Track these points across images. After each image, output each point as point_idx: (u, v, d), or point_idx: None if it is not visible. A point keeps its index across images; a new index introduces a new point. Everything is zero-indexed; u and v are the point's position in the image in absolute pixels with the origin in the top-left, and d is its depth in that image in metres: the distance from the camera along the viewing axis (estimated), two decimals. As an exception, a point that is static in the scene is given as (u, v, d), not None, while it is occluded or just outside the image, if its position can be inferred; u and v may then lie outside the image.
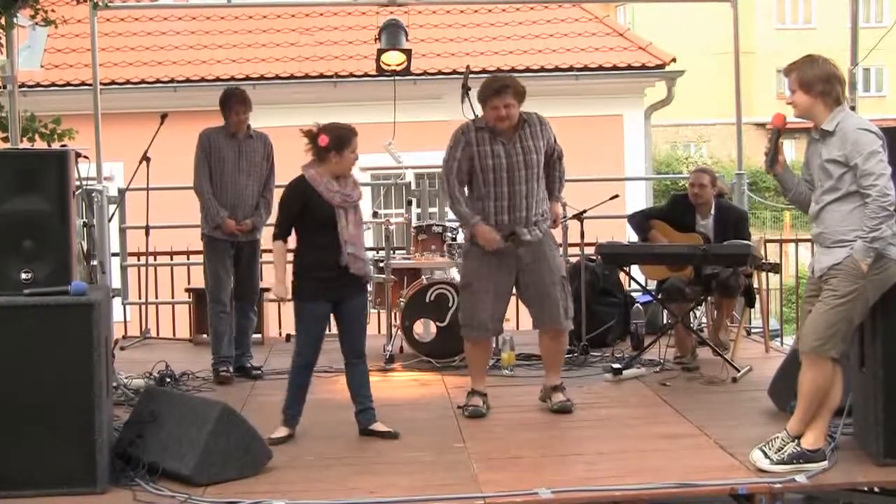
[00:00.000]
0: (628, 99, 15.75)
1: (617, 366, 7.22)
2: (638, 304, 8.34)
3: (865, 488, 5.18)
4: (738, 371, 7.07)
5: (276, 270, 5.72)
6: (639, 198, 14.08)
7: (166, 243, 9.19)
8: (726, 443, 5.47)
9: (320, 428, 5.86)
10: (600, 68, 15.40)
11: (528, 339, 7.19)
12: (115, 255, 9.10)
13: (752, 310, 8.36)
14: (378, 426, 5.79)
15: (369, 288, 8.28)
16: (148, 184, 8.51)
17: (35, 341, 4.84)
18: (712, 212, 7.60)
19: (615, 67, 15.46)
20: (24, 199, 4.96)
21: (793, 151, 38.04)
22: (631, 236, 8.30)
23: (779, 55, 29.87)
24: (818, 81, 4.91)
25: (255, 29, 16.02)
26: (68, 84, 14.60)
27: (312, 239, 5.64)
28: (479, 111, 6.26)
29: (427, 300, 7.67)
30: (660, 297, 7.65)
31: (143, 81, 14.89)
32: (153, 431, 5.19)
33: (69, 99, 13.50)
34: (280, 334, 9.12)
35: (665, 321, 8.26)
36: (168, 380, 6.95)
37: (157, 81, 14.84)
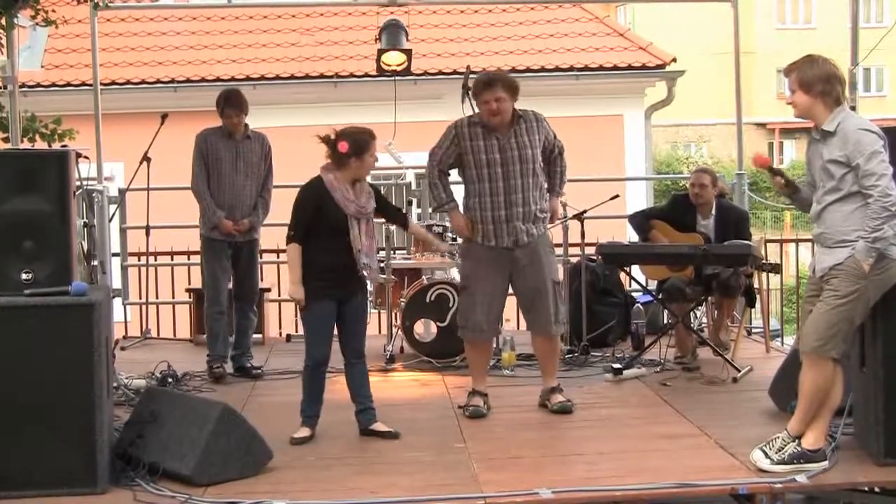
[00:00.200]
0: (629, 99, 15.75)
1: (617, 366, 7.22)
2: (638, 304, 8.34)
3: (866, 488, 5.18)
4: (739, 371, 7.07)
5: (290, 273, 5.70)
6: (639, 198, 14.07)
7: (167, 243, 9.19)
8: (727, 443, 5.47)
9: (321, 428, 5.85)
10: (601, 68, 15.40)
11: (528, 340, 7.18)
12: (115, 255, 9.10)
13: (753, 310, 8.36)
14: (378, 426, 5.79)
15: (370, 288, 8.33)
16: (148, 184, 8.51)
17: (35, 341, 4.84)
18: (713, 212, 7.60)
19: (615, 67, 15.45)
20: (25, 199, 4.96)
21: (793, 151, 38.13)
22: (631, 236, 8.30)
23: (779, 55, 29.87)
24: (818, 81, 4.91)
25: (255, 29, 16.01)
26: (69, 84, 14.59)
27: (321, 241, 5.64)
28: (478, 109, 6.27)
29: (427, 300, 7.67)
30: (660, 297, 7.65)
31: (143, 82, 14.88)
32: (153, 431, 5.19)
33: (70, 99, 13.50)
34: (280, 334, 9.12)
35: (665, 321, 8.25)
36: (170, 380, 6.96)
37: (158, 82, 14.83)
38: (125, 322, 9.27)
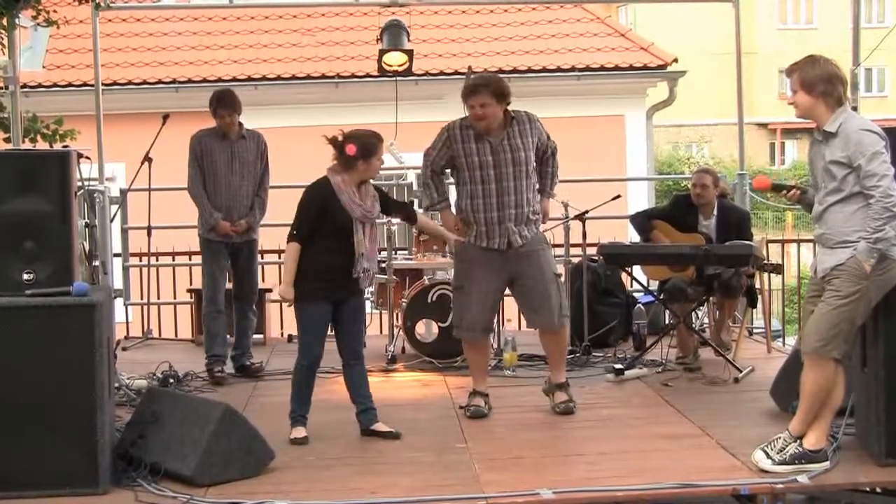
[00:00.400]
0: (630, 99, 15.74)
1: (619, 366, 7.22)
2: (640, 305, 8.34)
3: (867, 489, 5.18)
4: (740, 371, 7.06)
5: (284, 272, 5.71)
6: (641, 198, 14.07)
7: (168, 244, 9.19)
8: (728, 443, 5.47)
9: (322, 428, 5.85)
10: (602, 69, 15.39)
11: (530, 340, 7.19)
12: (116, 255, 9.11)
13: (754, 310, 8.36)
14: (379, 426, 5.79)
15: (371, 289, 8.33)
16: (150, 184, 8.50)
17: (37, 342, 4.84)
18: (714, 212, 7.60)
19: (617, 68, 15.45)
20: (26, 199, 4.96)
21: (795, 152, 38.13)
22: (633, 236, 8.30)
23: (780, 55, 29.88)
24: (820, 82, 4.91)
25: (256, 29, 16.02)
26: (70, 85, 14.59)
27: (323, 242, 5.64)
28: None
29: (429, 301, 7.67)
30: (662, 297, 7.65)
31: (144, 82, 14.88)
32: (155, 432, 5.19)
33: (71, 99, 13.51)
34: (282, 335, 9.12)
35: (667, 322, 8.25)
36: (171, 380, 6.96)
37: (159, 82, 14.84)
38: (126, 322, 9.27)
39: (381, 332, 8.90)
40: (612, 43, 15.96)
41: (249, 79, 14.89)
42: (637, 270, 8.17)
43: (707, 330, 8.27)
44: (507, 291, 6.44)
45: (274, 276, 9.17)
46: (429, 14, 15.30)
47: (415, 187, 9.27)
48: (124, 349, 8.43)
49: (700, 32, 32.32)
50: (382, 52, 9.00)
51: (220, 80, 14.68)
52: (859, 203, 4.84)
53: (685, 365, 7.43)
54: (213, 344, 7.32)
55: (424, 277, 7.94)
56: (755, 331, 8.81)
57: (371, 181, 5.83)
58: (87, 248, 6.89)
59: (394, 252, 8.06)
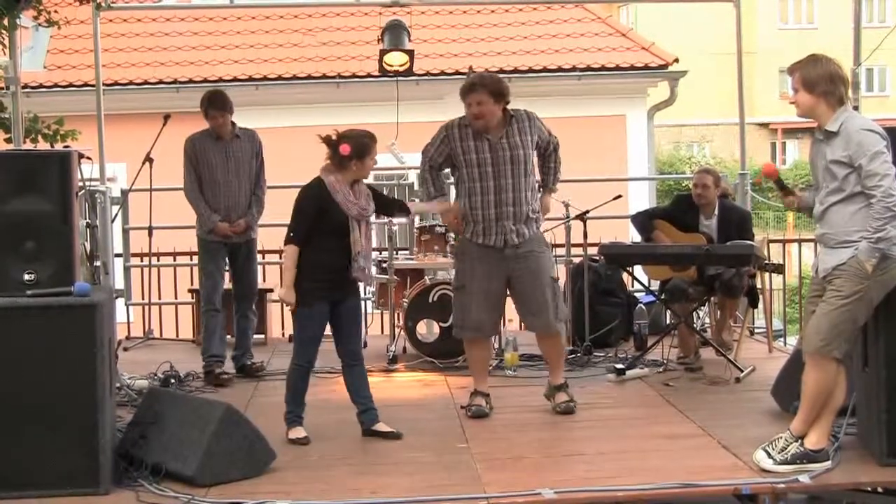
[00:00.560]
0: (631, 99, 15.74)
1: (620, 366, 7.22)
2: (641, 305, 8.34)
3: (869, 488, 5.18)
4: (742, 371, 7.06)
5: (285, 275, 5.70)
6: (642, 198, 14.07)
7: (169, 244, 9.19)
8: (729, 443, 5.47)
9: (323, 428, 5.86)
10: (603, 68, 15.39)
11: (531, 340, 7.18)
12: (118, 255, 9.11)
13: (756, 310, 8.35)
14: (381, 426, 5.79)
15: (372, 288, 8.34)
16: (151, 185, 8.51)
17: (38, 342, 4.84)
18: (716, 212, 7.60)
19: (618, 68, 15.45)
20: (27, 200, 4.96)
21: (796, 151, 38.12)
22: (634, 236, 8.30)
23: (781, 55, 29.87)
24: (821, 81, 4.91)
25: (257, 30, 16.02)
26: (71, 85, 14.60)
27: (320, 242, 5.64)
28: None
29: (430, 301, 7.68)
30: (663, 297, 7.65)
31: (145, 82, 14.89)
32: (156, 432, 5.20)
33: (72, 100, 13.51)
34: (283, 335, 9.12)
35: (668, 321, 8.26)
36: (172, 380, 6.96)
37: (160, 82, 14.84)
38: (128, 323, 9.28)
39: (382, 332, 8.90)
40: (613, 43, 15.96)
41: (250, 79, 14.89)
42: (638, 270, 8.17)
43: (708, 330, 8.28)
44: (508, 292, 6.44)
45: (275, 276, 9.17)
46: (430, 14, 15.30)
47: (416, 187, 9.29)
48: (125, 349, 8.43)
49: (701, 32, 32.32)
50: (383, 53, 9.00)
51: (220, 79, 14.68)
52: (861, 203, 4.84)
53: (686, 365, 7.44)
54: (210, 344, 7.31)
55: (425, 277, 7.95)
56: (756, 330, 8.81)
57: (370, 180, 5.83)
58: (88, 248, 6.89)
59: (395, 252, 8.06)
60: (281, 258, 8.84)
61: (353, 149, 5.63)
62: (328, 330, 5.84)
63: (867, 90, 34.25)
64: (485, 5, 15.64)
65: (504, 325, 7.38)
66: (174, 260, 9.44)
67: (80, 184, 5.47)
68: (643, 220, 7.76)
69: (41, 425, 4.84)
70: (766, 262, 7.61)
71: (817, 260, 5.12)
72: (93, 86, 9.72)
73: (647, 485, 4.87)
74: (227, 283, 7.59)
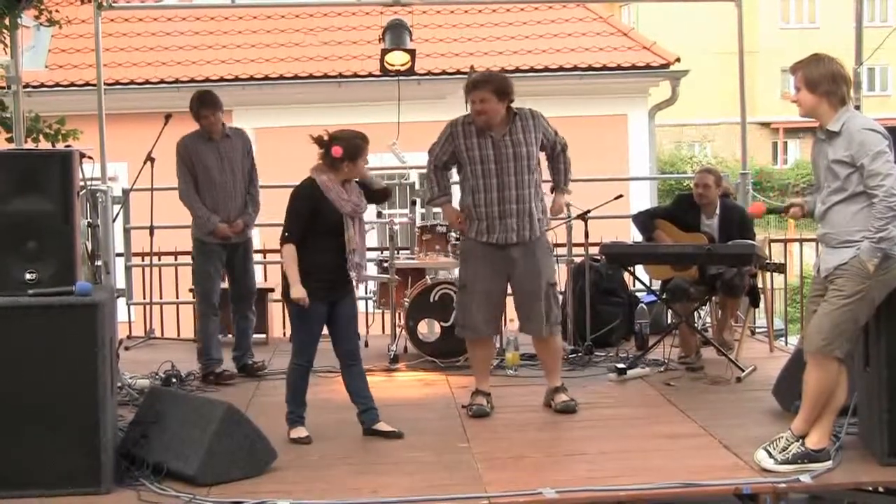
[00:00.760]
0: (632, 98, 15.75)
1: (621, 366, 7.22)
2: (642, 304, 8.34)
3: (870, 488, 5.18)
4: (743, 371, 7.06)
5: (289, 273, 5.66)
6: (643, 197, 14.08)
7: (170, 243, 9.19)
8: (730, 442, 5.47)
9: (323, 428, 5.86)
10: (604, 68, 15.40)
11: (532, 339, 7.18)
12: (119, 255, 9.10)
13: (757, 309, 8.35)
14: (382, 426, 5.79)
15: (373, 288, 8.34)
16: (152, 184, 8.51)
17: (40, 341, 4.84)
18: (717, 211, 7.60)
19: (619, 67, 15.46)
20: (29, 199, 4.96)
21: (797, 151, 38.11)
22: (635, 236, 8.29)
23: (782, 55, 29.87)
24: (824, 80, 4.90)
25: (259, 29, 16.03)
26: (72, 84, 14.61)
27: (316, 242, 5.65)
28: None
29: (431, 300, 7.68)
30: (664, 296, 7.65)
31: (147, 82, 14.90)
32: (157, 431, 5.20)
33: (73, 99, 13.51)
34: (284, 334, 9.11)
35: (669, 321, 8.26)
36: (174, 380, 6.96)
37: (162, 82, 14.86)
38: (129, 322, 9.28)
39: (383, 331, 8.90)
40: (615, 42, 15.96)
41: (252, 78, 14.90)
42: (639, 270, 8.17)
43: (709, 329, 8.27)
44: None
45: (276, 276, 9.17)
46: (431, 14, 15.31)
47: (417, 187, 9.29)
48: (127, 349, 8.43)
49: (702, 32, 32.32)
50: (385, 52, 9.00)
51: (222, 79, 14.69)
52: (862, 202, 4.84)
53: (687, 364, 7.43)
54: (210, 346, 7.29)
55: (427, 277, 7.95)
56: (757, 330, 8.81)
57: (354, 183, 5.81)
58: (89, 247, 6.89)
59: (396, 252, 8.06)
60: (282, 257, 8.89)
61: (345, 150, 5.63)
62: (325, 330, 5.84)
63: (869, 90, 34.29)
64: (486, 5, 15.65)
65: (505, 324, 7.38)
66: (175, 259, 9.44)
67: (82, 183, 5.47)
68: (644, 220, 7.76)
69: (42, 425, 4.84)
70: (768, 261, 7.61)
71: (819, 259, 5.12)
72: (94, 85, 9.71)
73: (648, 484, 4.87)
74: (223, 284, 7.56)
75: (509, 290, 6.39)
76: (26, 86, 8.28)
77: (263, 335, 8.71)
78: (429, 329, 7.94)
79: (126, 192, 9.01)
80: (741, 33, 9.54)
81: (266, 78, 14.96)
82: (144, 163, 8.42)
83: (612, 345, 8.10)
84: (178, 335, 9.35)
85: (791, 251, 10.10)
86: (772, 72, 35.08)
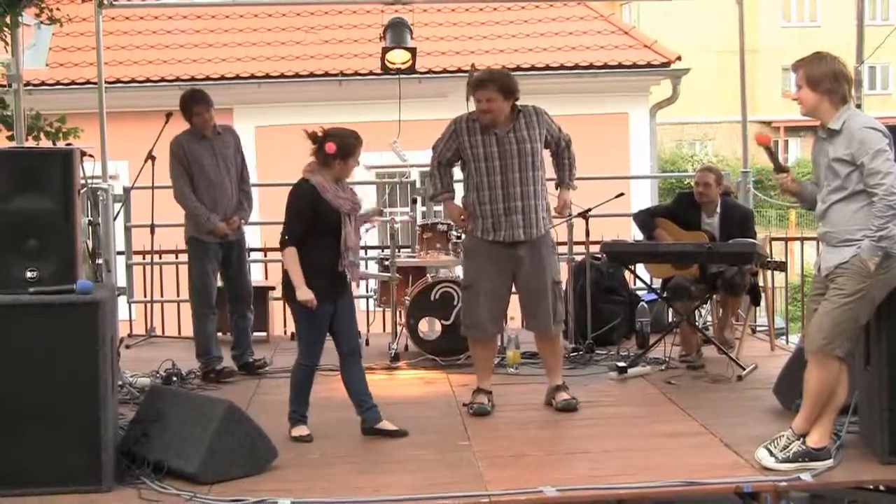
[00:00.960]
0: (633, 97, 15.76)
1: (622, 364, 7.21)
2: (643, 303, 8.34)
3: (871, 486, 5.18)
4: (744, 369, 7.06)
5: (293, 276, 5.64)
6: (644, 196, 14.10)
7: (171, 242, 9.18)
8: (731, 441, 5.47)
9: (324, 427, 5.85)
10: (605, 66, 15.41)
11: (533, 338, 7.18)
12: (120, 253, 9.10)
13: (758, 308, 8.35)
14: (385, 424, 5.78)
15: (374, 285, 8.34)
16: (153, 182, 8.51)
17: (40, 340, 4.84)
18: (718, 210, 7.60)
19: (620, 65, 15.47)
20: (30, 197, 4.96)
21: (798, 150, 38.08)
22: (636, 234, 8.29)
23: (783, 53, 29.86)
24: (825, 79, 4.90)
25: (259, 27, 16.04)
26: (73, 83, 14.62)
27: (315, 242, 5.64)
28: None
29: (432, 298, 7.67)
30: (665, 295, 7.65)
31: (147, 80, 14.91)
32: (158, 430, 5.20)
33: (74, 97, 13.52)
34: (285, 332, 9.12)
35: (670, 319, 8.25)
36: (174, 378, 6.96)
37: (162, 80, 14.86)
38: (130, 320, 9.28)
39: (384, 329, 8.90)
40: (616, 41, 15.97)
41: (252, 77, 14.91)
42: (640, 268, 8.17)
43: (710, 328, 8.28)
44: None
45: (276, 275, 9.16)
46: (432, 12, 15.32)
47: (418, 185, 9.29)
48: (127, 347, 8.44)
49: (703, 30, 32.28)
50: (386, 50, 9.00)
51: (222, 77, 14.70)
52: (863, 201, 4.84)
53: (688, 363, 7.43)
54: (209, 346, 7.28)
55: (427, 275, 7.95)
56: (758, 329, 8.80)
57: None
58: (90, 245, 6.89)
59: (397, 250, 8.06)
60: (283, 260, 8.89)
61: (338, 148, 5.63)
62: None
63: (870, 88, 34.23)
64: (487, 3, 15.58)
65: (506, 322, 7.38)
66: (176, 258, 9.42)
67: (83, 181, 5.48)
68: (645, 219, 7.76)
69: (43, 423, 4.84)
70: (769, 260, 7.60)
71: (819, 258, 5.11)
72: (95, 83, 9.72)
73: (649, 483, 4.87)
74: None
75: (513, 289, 6.39)
76: (27, 84, 8.27)
77: (264, 333, 8.70)
78: (430, 327, 7.93)
79: (127, 191, 9.01)
80: (742, 31, 9.54)
81: (267, 76, 14.96)
82: (145, 161, 8.43)
83: (612, 343, 8.10)
84: (179, 333, 9.34)
85: (792, 249, 10.09)
86: (773, 70, 35.04)
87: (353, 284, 5.99)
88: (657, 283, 8.07)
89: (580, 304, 7.96)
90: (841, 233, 4.90)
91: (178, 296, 9.49)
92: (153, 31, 15.74)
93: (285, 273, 5.75)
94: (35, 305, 4.86)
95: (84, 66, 14.62)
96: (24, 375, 4.84)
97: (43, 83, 14.38)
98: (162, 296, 9.47)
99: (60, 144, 7.16)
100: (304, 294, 5.60)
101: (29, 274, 4.94)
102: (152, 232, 8.82)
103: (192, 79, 14.65)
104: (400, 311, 8.01)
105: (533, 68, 15.14)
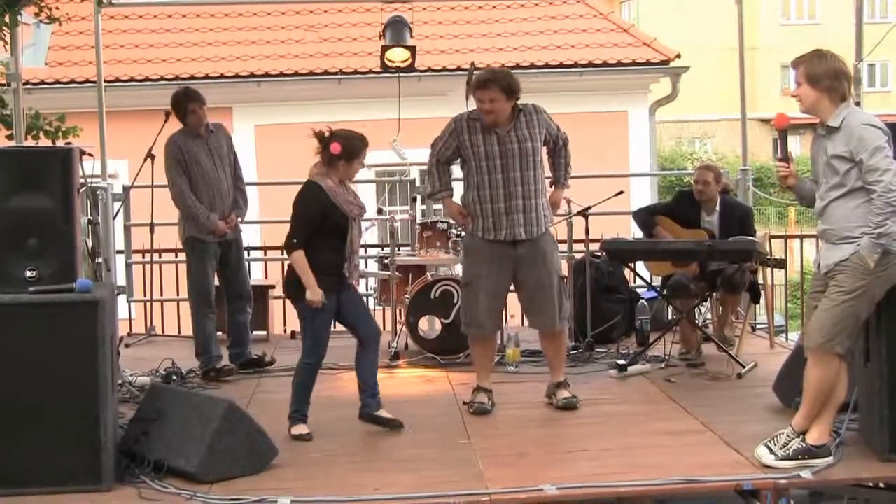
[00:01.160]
0: (633, 95, 15.75)
1: (622, 362, 7.21)
2: (643, 301, 8.33)
3: (870, 484, 5.18)
4: (743, 367, 7.06)
5: (305, 280, 5.60)
6: (644, 194, 14.09)
7: (171, 241, 9.16)
8: (731, 439, 5.47)
9: (325, 425, 5.85)
10: (605, 64, 15.40)
11: (533, 336, 7.18)
12: (119, 252, 9.10)
13: (757, 306, 8.35)
14: (383, 412, 5.81)
15: (373, 284, 8.34)
16: (153, 181, 8.50)
17: (40, 339, 4.84)
18: (717, 208, 7.60)
19: (620, 64, 15.46)
20: (29, 196, 4.96)
21: (798, 147, 38.04)
22: (636, 232, 8.29)
23: (783, 51, 29.85)
24: (825, 76, 4.90)
25: (259, 26, 16.03)
26: (73, 81, 14.61)
27: (321, 243, 5.64)
28: None
29: (432, 297, 7.67)
30: (665, 293, 7.65)
31: (147, 79, 14.90)
32: (158, 429, 5.20)
33: (74, 96, 13.50)
34: (285, 331, 9.12)
35: (670, 317, 8.25)
36: (174, 377, 6.96)
37: (162, 79, 14.85)
38: (130, 319, 9.28)
39: (384, 328, 8.87)
40: (615, 39, 15.96)
41: (252, 75, 14.90)
42: (640, 266, 8.17)
43: (710, 326, 8.27)
44: (512, 287, 6.44)
45: (277, 273, 9.17)
46: (432, 10, 15.28)
47: (417, 184, 9.29)
48: (127, 346, 8.43)
49: (702, 28, 32.27)
50: (385, 49, 8.99)
51: (222, 76, 14.70)
52: (861, 198, 4.84)
53: (688, 361, 7.44)
54: (210, 345, 7.27)
55: (427, 274, 7.95)
56: (758, 326, 8.80)
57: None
58: (89, 245, 6.90)
59: (397, 248, 8.06)
60: (283, 254, 8.88)
61: (343, 148, 5.62)
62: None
63: (869, 86, 34.25)
64: (487, 1, 15.66)
65: (506, 320, 7.38)
66: (176, 256, 9.42)
67: (82, 180, 5.47)
68: (645, 217, 7.76)
69: (43, 422, 4.84)
70: (768, 257, 7.60)
71: (819, 256, 5.12)
72: (94, 82, 9.71)
73: (649, 481, 4.87)
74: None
75: (511, 287, 6.39)
76: (26, 83, 8.28)
77: (264, 332, 8.70)
78: (429, 326, 7.94)
79: (126, 190, 9.01)
80: (741, 29, 9.53)
81: (266, 75, 14.95)
82: (145, 160, 8.43)
83: (612, 341, 8.10)
84: (179, 332, 9.34)
85: (791, 247, 10.11)
86: (772, 68, 35.04)
87: (353, 283, 5.99)
88: (657, 281, 8.07)
89: (580, 302, 7.96)
90: (840, 230, 4.90)
91: (177, 295, 9.49)
92: (152, 29, 15.72)
93: (288, 272, 5.75)
94: (35, 305, 4.86)
95: (83, 64, 14.61)
96: (23, 375, 4.84)
97: (42, 82, 14.37)
98: (161, 295, 9.47)
99: (60, 143, 7.16)
100: (315, 294, 5.59)
101: (28, 273, 4.94)
102: (152, 231, 8.82)
103: (192, 77, 14.62)
104: (400, 310, 8.01)
105: (532, 66, 15.13)
